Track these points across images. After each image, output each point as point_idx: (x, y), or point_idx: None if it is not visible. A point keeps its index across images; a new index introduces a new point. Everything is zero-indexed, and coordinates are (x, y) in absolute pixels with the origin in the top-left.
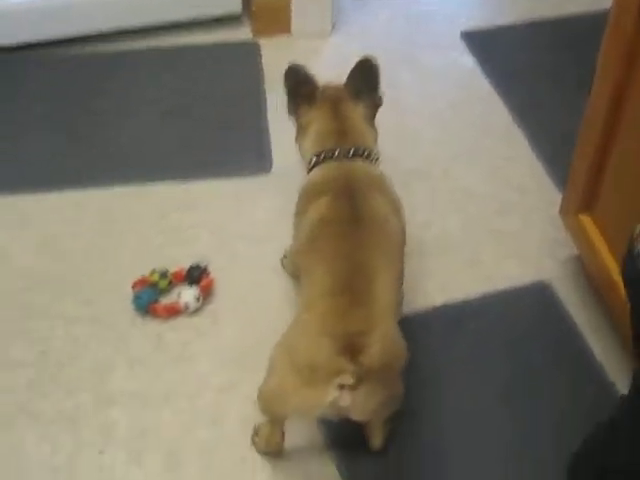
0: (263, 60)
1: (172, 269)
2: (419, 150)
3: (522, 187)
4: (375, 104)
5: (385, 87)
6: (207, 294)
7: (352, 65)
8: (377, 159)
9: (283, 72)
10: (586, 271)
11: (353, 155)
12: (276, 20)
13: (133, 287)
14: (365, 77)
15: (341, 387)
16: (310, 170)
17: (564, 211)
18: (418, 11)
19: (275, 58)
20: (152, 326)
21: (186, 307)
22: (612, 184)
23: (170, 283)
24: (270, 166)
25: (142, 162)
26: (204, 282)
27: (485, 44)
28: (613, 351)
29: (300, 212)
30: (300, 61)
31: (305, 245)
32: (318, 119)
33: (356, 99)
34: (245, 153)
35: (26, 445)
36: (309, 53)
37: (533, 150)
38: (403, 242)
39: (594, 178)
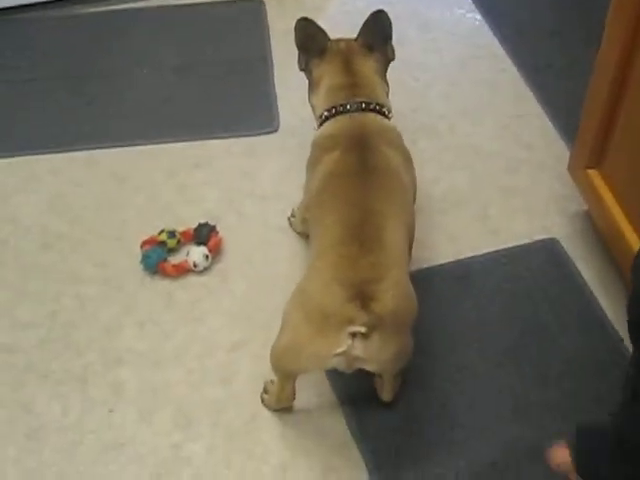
0: (268, 18)
1: (181, 228)
2: (426, 106)
3: (530, 144)
4: (387, 57)
5: (392, 43)
6: (216, 253)
7: (358, 22)
8: (389, 112)
9: (292, 27)
10: (594, 226)
11: (364, 108)
12: None
13: (142, 246)
14: (377, 30)
15: (353, 335)
16: (321, 124)
17: (573, 167)
18: None
19: (280, 16)
20: (162, 285)
21: (195, 266)
22: (620, 139)
23: (179, 242)
24: (277, 125)
25: (150, 121)
26: (212, 241)
27: (492, 1)
28: (622, 306)
29: (311, 165)
30: None
31: (315, 197)
32: (329, 73)
33: (368, 52)
34: (252, 112)
35: (36, 405)
36: (314, 10)
37: (542, 107)
38: (413, 195)
39: (603, 134)
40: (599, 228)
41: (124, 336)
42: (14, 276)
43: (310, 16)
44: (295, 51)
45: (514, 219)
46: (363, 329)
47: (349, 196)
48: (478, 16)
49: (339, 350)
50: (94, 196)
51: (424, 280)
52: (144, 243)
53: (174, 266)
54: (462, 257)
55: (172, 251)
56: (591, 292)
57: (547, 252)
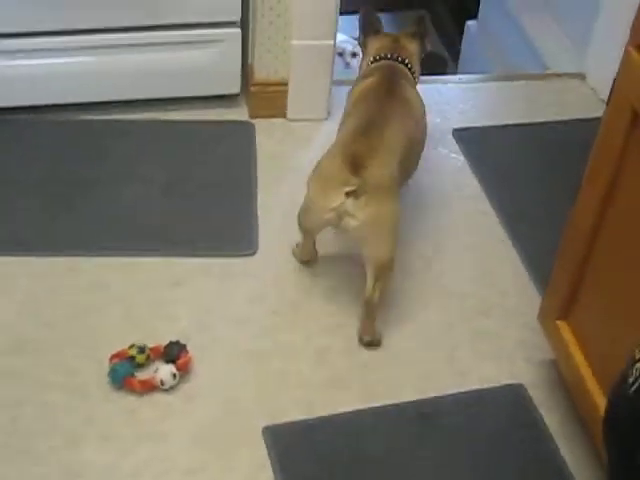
0: (257, 140)
1: (151, 344)
2: (404, 243)
3: (504, 289)
4: (423, 48)
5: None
6: (184, 372)
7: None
8: (417, 77)
9: (279, 152)
10: (560, 375)
11: (401, 61)
12: (272, 104)
13: (110, 360)
14: (418, 26)
15: (347, 195)
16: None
17: (543, 316)
18: None
19: (269, 140)
20: (127, 400)
21: (162, 383)
22: (590, 295)
23: (148, 358)
24: (256, 248)
25: (131, 234)
26: (182, 360)
27: (476, 143)
28: (583, 458)
29: (352, 88)
30: (293, 146)
31: (349, 109)
32: (380, 44)
33: (412, 38)
34: (232, 234)
35: None
36: (302, 138)
37: (517, 253)
38: (424, 132)
39: (573, 288)
40: (565, 378)
41: (84, 449)
42: None
43: (298, 142)
44: (280, 177)
45: (482, 362)
46: (354, 188)
47: (372, 105)
48: (461, 157)
49: (334, 205)
50: (70, 303)
51: (386, 416)
52: (113, 356)
53: (141, 382)
54: (427, 396)
55: (140, 366)
56: (553, 440)
57: (513, 397)
